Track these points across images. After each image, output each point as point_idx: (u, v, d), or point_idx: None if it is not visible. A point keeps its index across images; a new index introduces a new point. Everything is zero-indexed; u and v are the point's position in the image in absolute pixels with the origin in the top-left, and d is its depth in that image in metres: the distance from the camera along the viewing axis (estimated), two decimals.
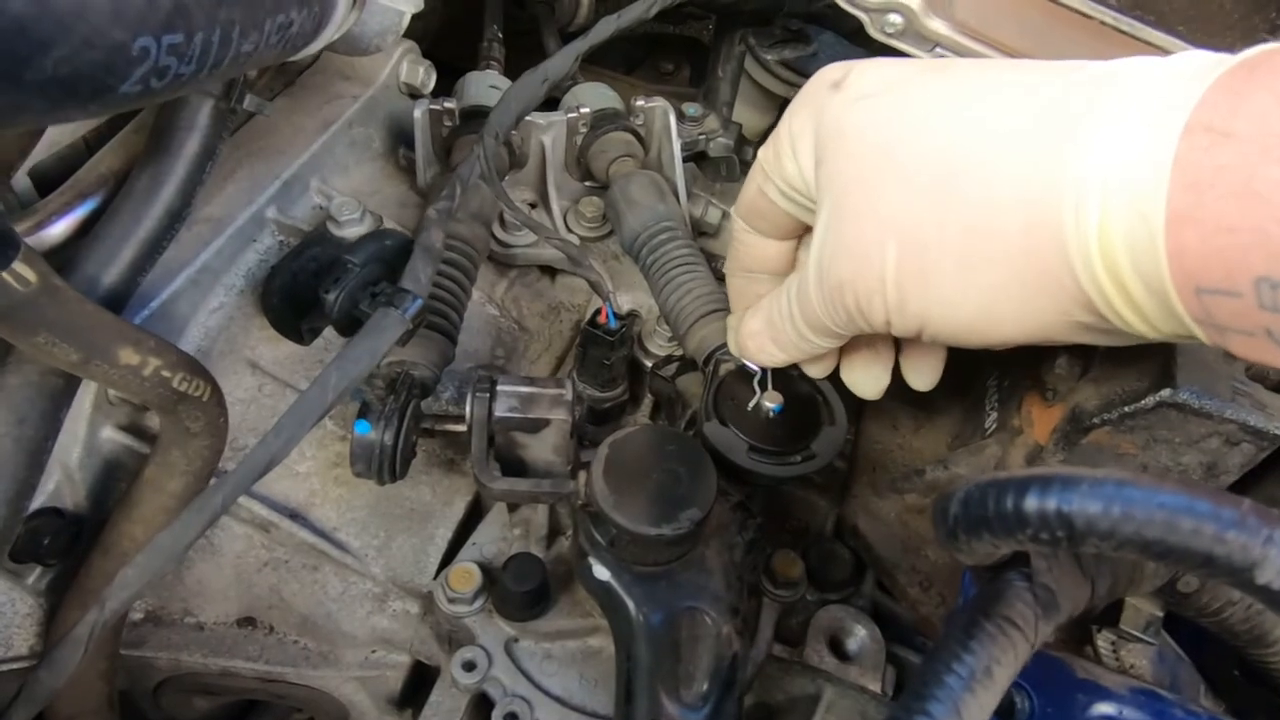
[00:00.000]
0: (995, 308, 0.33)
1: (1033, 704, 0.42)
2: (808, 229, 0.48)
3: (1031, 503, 0.31)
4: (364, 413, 0.56)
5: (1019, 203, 0.30)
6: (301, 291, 0.64)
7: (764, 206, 0.47)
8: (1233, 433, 0.49)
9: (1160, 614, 0.46)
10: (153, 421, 0.62)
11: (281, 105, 0.74)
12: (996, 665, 0.34)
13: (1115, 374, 0.53)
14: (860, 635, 0.63)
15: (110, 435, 0.61)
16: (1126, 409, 0.50)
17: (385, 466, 0.56)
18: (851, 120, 0.37)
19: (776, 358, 0.50)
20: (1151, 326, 0.30)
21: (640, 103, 0.77)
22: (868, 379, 0.50)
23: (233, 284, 0.67)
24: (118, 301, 0.55)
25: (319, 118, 0.74)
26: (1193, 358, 0.50)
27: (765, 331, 0.48)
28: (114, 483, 0.62)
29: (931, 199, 0.33)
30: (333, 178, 0.74)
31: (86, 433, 0.60)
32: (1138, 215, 0.27)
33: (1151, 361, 0.51)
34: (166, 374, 0.51)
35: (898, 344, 0.51)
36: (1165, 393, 0.49)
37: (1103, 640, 0.47)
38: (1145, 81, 0.28)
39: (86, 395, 0.59)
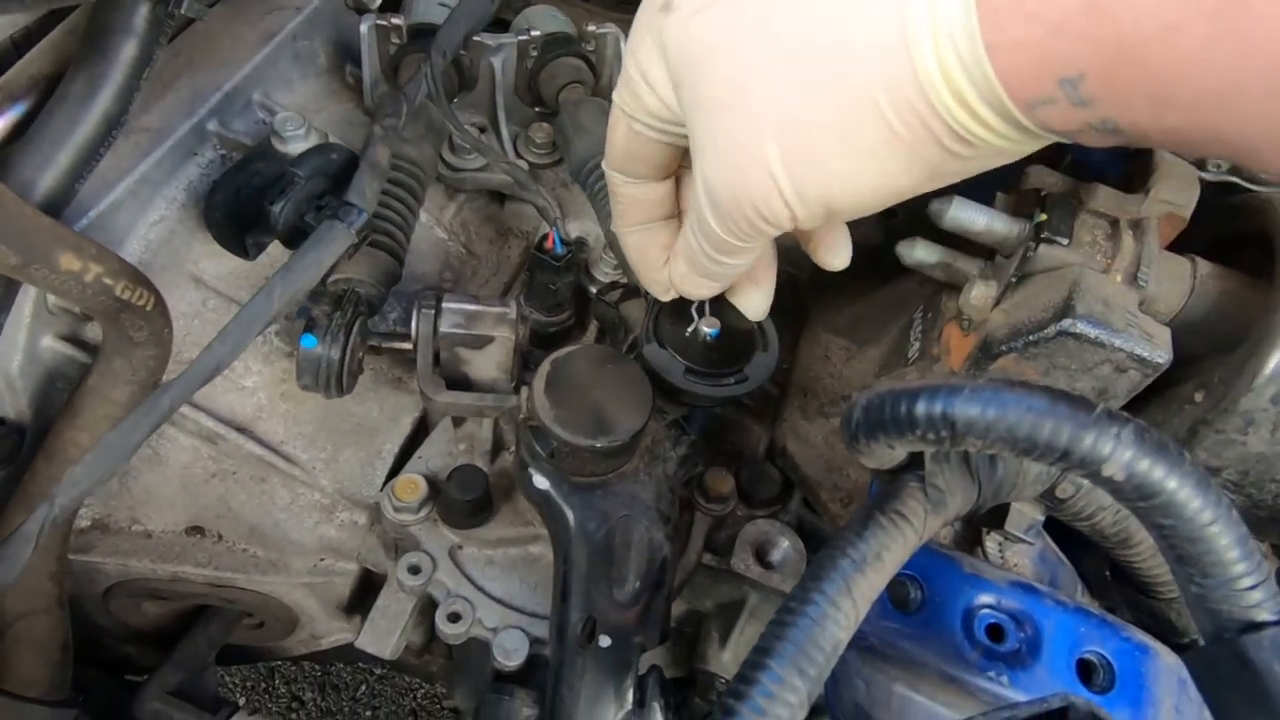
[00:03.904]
0: (885, 166, 0.34)
1: (924, 594, 0.47)
2: (685, 160, 0.48)
3: (920, 407, 0.35)
4: (310, 327, 0.57)
5: (875, 60, 0.32)
6: (245, 206, 0.63)
7: (638, 148, 0.46)
8: (1121, 360, 0.53)
9: (1040, 518, 0.51)
10: (94, 333, 0.62)
11: (220, 13, 0.72)
12: (886, 551, 0.38)
13: (1024, 305, 0.57)
14: (784, 546, 0.68)
15: (51, 344, 0.61)
16: (1030, 337, 0.55)
17: (332, 380, 0.58)
18: (695, 36, 0.37)
19: (711, 288, 0.51)
20: (1014, 143, 0.33)
21: (592, 28, 0.77)
22: (754, 300, 0.52)
23: (174, 197, 0.66)
24: (54, 208, 0.54)
25: (260, 29, 0.72)
26: (1091, 292, 0.54)
27: (690, 271, 0.48)
28: (56, 391, 0.62)
29: (797, 83, 0.34)
30: (276, 92, 0.73)
31: (26, 341, 0.59)
32: (967, 48, 0.30)
33: (1055, 294, 0.55)
34: (109, 281, 0.51)
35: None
36: (1065, 322, 0.53)
37: (991, 542, 0.53)
38: None
39: (26, 303, 0.59)
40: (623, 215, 0.52)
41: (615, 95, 0.45)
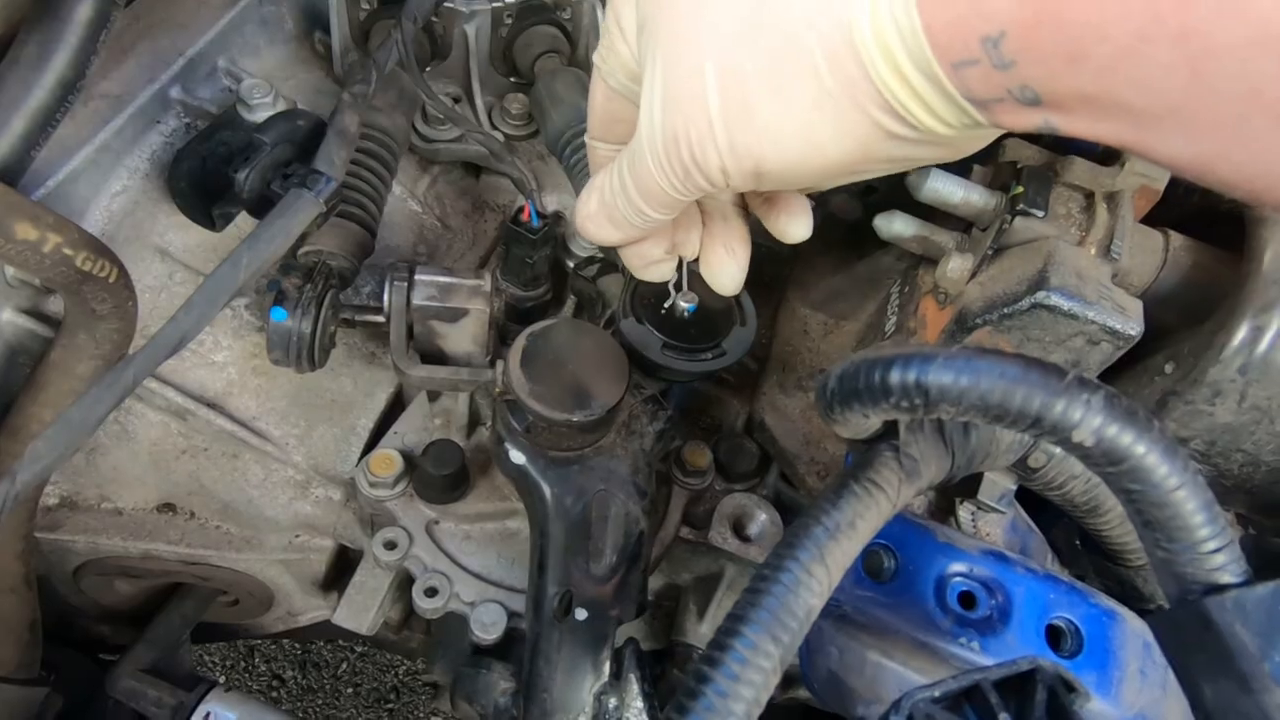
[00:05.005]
0: (814, 130, 0.34)
1: (898, 563, 0.47)
2: None
3: (895, 375, 0.35)
4: (280, 300, 0.56)
5: (814, 12, 0.32)
6: (211, 176, 0.62)
7: (617, 110, 0.45)
8: (1094, 333, 0.54)
9: (1012, 487, 0.52)
10: (56, 306, 0.60)
11: None
12: (860, 519, 0.38)
13: (999, 278, 0.57)
14: (761, 519, 0.69)
15: (11, 318, 0.59)
16: (1005, 310, 0.55)
17: (303, 354, 0.57)
18: None
19: (613, 237, 0.47)
20: (942, 120, 0.32)
21: None
22: (726, 272, 0.50)
23: (136, 167, 0.64)
24: (9, 176, 0.52)
25: None
26: (1065, 265, 0.54)
27: (600, 211, 0.45)
28: (17, 367, 0.60)
29: (743, 28, 0.34)
30: (242, 59, 0.70)
31: None
32: (901, 6, 0.30)
33: (1029, 267, 0.55)
34: (68, 252, 0.50)
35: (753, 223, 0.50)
36: (1039, 295, 0.53)
37: (964, 511, 0.53)
38: None
39: None
40: None
41: (595, 55, 0.44)
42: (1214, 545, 0.33)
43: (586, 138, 0.49)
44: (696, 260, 0.52)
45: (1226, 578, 0.33)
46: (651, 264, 0.51)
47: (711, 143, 0.36)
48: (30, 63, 0.53)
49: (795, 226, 0.47)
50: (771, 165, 0.36)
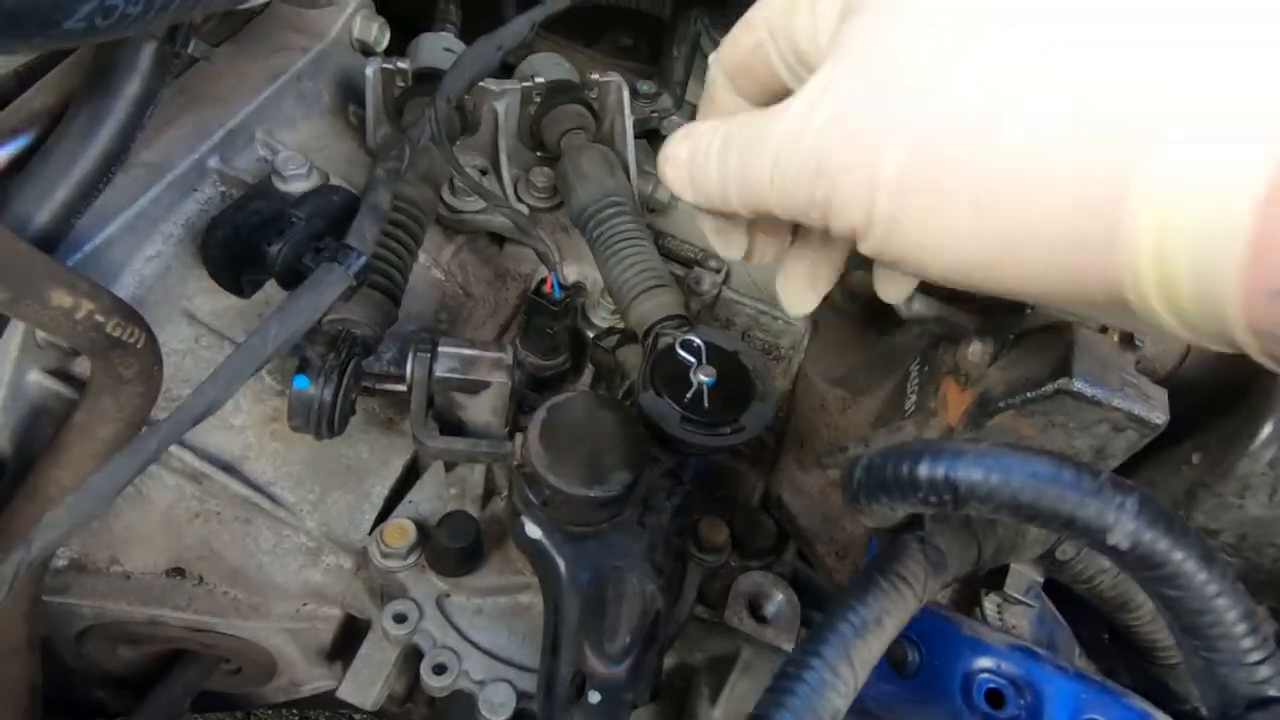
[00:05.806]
0: (1003, 261, 0.28)
1: (923, 657, 0.46)
2: None
3: (923, 470, 0.35)
4: (303, 368, 0.57)
5: (1076, 174, 0.26)
6: (243, 244, 0.63)
7: (756, 67, 0.38)
8: (1119, 420, 0.53)
9: (1040, 579, 0.50)
10: (82, 367, 0.61)
11: (226, 52, 0.72)
12: (887, 616, 0.37)
13: (1021, 362, 0.57)
14: (778, 599, 0.67)
15: (37, 379, 0.60)
16: (1029, 395, 0.55)
17: (323, 422, 0.57)
18: (918, 9, 0.28)
19: (686, 195, 0.40)
20: (1190, 327, 0.26)
21: (595, 76, 0.78)
22: (800, 297, 0.45)
23: (171, 233, 0.66)
24: (50, 242, 0.54)
25: (266, 68, 0.73)
26: (1089, 351, 0.54)
27: (686, 165, 0.39)
28: (40, 428, 0.61)
29: (977, 119, 0.27)
30: (279, 131, 0.73)
31: (12, 375, 0.58)
32: (1216, 212, 0.23)
33: (1053, 352, 0.55)
34: (100, 318, 0.50)
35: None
36: (1062, 381, 0.53)
37: (989, 603, 0.52)
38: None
39: (13, 338, 0.58)
40: (707, 115, 0.44)
41: (764, 1, 0.37)
42: (1258, 656, 0.32)
43: (712, 59, 0.42)
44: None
45: (1272, 691, 0.32)
46: (722, 235, 0.44)
47: (863, 208, 0.29)
48: (78, 136, 0.55)
49: (899, 286, 0.43)
50: (923, 264, 0.30)
